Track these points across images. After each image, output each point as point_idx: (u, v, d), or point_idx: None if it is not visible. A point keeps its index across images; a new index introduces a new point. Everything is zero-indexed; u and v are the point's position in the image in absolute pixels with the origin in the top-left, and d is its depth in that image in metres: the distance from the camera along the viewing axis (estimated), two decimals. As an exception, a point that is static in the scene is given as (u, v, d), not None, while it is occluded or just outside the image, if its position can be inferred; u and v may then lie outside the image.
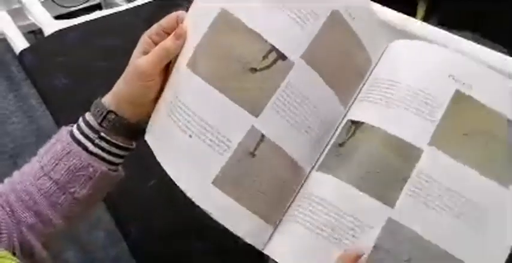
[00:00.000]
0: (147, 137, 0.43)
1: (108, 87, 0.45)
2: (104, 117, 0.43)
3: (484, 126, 0.45)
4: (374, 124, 0.44)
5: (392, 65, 0.48)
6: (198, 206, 0.39)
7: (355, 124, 0.45)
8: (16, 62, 1.37)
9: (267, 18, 0.42)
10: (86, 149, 0.43)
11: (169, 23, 0.43)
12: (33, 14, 1.10)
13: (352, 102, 0.47)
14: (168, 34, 0.43)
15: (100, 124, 0.44)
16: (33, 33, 1.43)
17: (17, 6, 1.30)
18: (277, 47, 0.42)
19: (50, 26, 0.97)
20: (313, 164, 0.45)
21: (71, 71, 0.84)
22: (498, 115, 0.45)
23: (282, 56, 0.42)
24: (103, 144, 0.44)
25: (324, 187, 0.43)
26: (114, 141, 0.44)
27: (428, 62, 0.47)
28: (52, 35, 0.93)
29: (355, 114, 0.46)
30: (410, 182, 0.42)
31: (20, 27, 1.13)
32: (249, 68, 0.41)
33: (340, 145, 0.44)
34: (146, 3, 1.02)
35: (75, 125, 0.45)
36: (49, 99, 0.81)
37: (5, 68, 1.70)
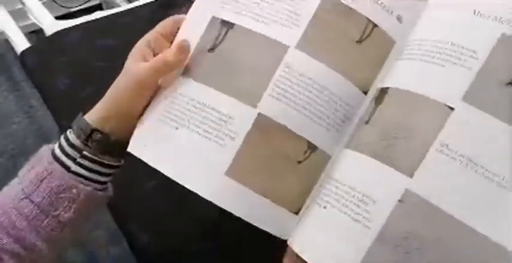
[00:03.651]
0: (131, 149, 0.41)
1: (109, 88, 0.44)
2: (89, 136, 0.41)
3: None
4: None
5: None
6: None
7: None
8: (17, 62, 1.37)
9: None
10: (68, 169, 0.41)
11: (166, 28, 0.43)
12: (34, 15, 1.11)
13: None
14: (166, 39, 0.42)
15: (85, 144, 0.41)
16: (35, 33, 1.44)
17: (18, 6, 1.31)
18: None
19: (51, 26, 0.97)
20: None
21: (72, 71, 0.84)
22: None
23: None
24: (86, 163, 0.41)
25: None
26: (98, 159, 0.42)
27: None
28: (53, 35, 0.93)
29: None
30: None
31: (21, 28, 1.13)
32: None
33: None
34: (147, 3, 1.02)
35: (56, 144, 0.42)
36: (50, 99, 0.81)
37: (6, 68, 1.71)
